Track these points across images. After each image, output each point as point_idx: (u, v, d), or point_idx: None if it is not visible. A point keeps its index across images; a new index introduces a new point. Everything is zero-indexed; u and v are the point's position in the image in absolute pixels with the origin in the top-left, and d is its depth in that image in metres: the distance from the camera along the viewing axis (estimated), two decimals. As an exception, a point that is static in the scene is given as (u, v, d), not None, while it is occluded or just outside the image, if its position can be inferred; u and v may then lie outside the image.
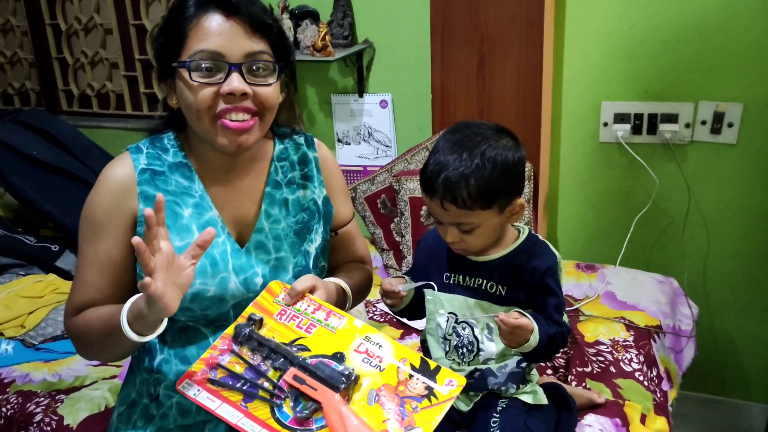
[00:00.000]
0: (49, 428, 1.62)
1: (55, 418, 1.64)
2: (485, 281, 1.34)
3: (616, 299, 2.02)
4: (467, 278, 1.35)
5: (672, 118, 2.18)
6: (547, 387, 1.48)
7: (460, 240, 1.29)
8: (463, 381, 1.09)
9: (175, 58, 1.19)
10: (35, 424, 1.63)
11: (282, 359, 1.10)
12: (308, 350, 1.13)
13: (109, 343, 1.21)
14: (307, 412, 1.04)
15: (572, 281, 2.15)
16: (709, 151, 2.17)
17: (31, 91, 3.22)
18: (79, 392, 1.73)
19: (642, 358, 1.74)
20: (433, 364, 1.11)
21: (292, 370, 1.08)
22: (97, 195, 1.25)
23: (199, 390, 1.09)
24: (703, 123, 2.15)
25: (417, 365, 1.10)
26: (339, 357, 1.12)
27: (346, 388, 1.06)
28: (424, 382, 1.08)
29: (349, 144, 2.61)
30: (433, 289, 1.33)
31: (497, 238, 1.34)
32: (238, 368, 1.11)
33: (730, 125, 2.11)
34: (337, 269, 1.46)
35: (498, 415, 1.36)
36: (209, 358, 1.15)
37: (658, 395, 1.69)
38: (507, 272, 1.33)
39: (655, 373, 1.75)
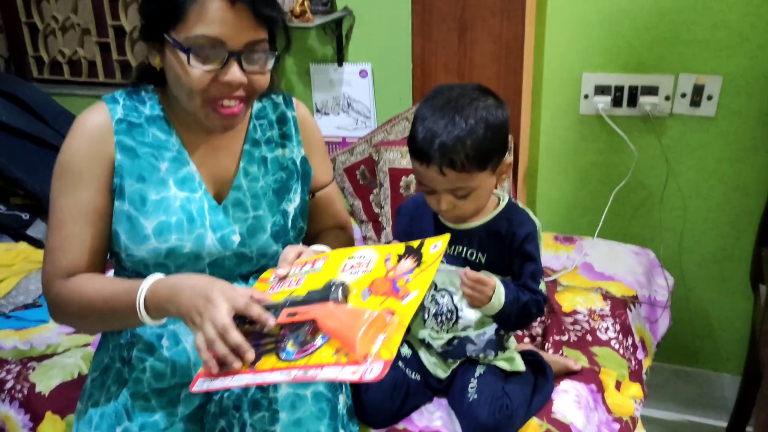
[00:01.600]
0: (20, 395, 1.59)
1: (27, 384, 1.61)
2: (465, 248, 1.33)
3: (594, 270, 2.03)
4: (447, 246, 1.34)
5: (652, 91, 2.18)
6: (524, 354, 1.48)
7: (454, 207, 1.27)
8: (447, 236, 1.07)
9: (168, 28, 1.13)
10: (6, 392, 1.60)
11: (274, 309, 1.05)
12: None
13: (107, 321, 1.20)
14: (306, 336, 1.00)
15: (550, 253, 2.15)
16: (689, 123, 2.18)
17: (0, 57, 3.13)
18: (51, 359, 1.70)
19: (618, 327, 1.75)
20: (416, 243, 1.09)
21: (284, 311, 1.04)
22: (74, 142, 1.21)
23: (211, 380, 1.03)
24: (683, 96, 2.15)
25: (402, 252, 1.09)
26: (328, 284, 1.08)
27: (336, 297, 1.02)
28: (412, 258, 1.06)
29: (328, 114, 2.58)
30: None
31: (488, 200, 1.33)
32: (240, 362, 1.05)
33: (710, 98, 2.12)
34: (318, 238, 1.45)
35: (476, 380, 1.37)
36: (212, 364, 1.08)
37: (633, 363, 1.71)
38: (487, 239, 1.33)
39: (630, 341, 1.76)
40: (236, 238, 1.27)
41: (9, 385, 1.61)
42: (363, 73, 2.49)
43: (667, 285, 2.08)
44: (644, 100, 2.18)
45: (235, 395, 1.27)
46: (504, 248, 1.32)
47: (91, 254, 1.22)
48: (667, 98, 2.17)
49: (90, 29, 2.90)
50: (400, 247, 1.10)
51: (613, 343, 1.70)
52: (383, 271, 1.06)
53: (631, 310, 1.86)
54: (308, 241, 1.46)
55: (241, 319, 1.05)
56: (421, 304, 1.34)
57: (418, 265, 1.04)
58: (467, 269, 1.22)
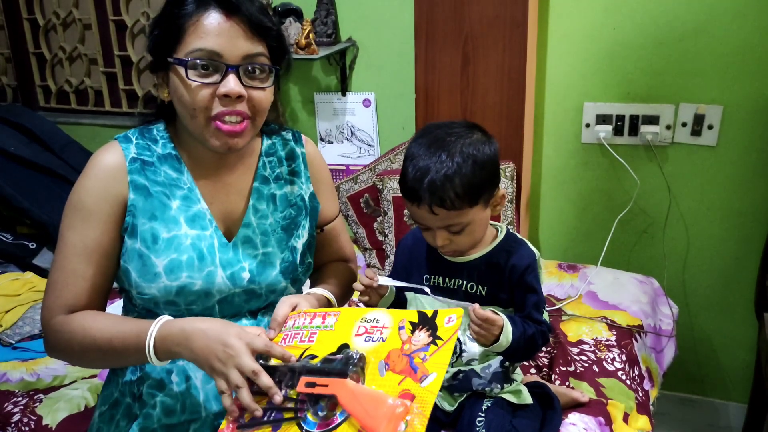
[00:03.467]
0: (27, 428, 1.59)
1: (34, 418, 1.61)
2: (465, 282, 1.34)
3: (598, 299, 2.04)
4: (447, 279, 1.35)
5: (653, 120, 2.20)
6: (531, 386, 1.48)
7: (450, 242, 1.29)
8: (461, 312, 1.07)
9: (171, 53, 1.16)
10: (13, 425, 1.60)
11: (291, 374, 1.07)
12: (316, 357, 1.11)
13: (109, 359, 1.21)
14: (326, 411, 1.02)
15: (554, 281, 2.16)
16: (690, 152, 2.20)
17: (7, 86, 3.17)
18: (58, 392, 1.70)
19: (624, 358, 1.76)
20: (430, 312, 1.09)
21: (302, 379, 1.05)
22: (87, 181, 1.22)
23: None
24: (684, 125, 2.17)
25: (416, 320, 1.09)
26: (344, 348, 1.10)
27: (356, 372, 1.03)
28: (426, 331, 1.06)
29: (332, 143, 2.60)
30: (427, 294, 1.30)
31: (485, 233, 1.34)
32: (261, 403, 1.08)
33: (710, 127, 2.14)
34: (321, 272, 1.46)
35: (483, 415, 1.36)
36: (233, 408, 1.11)
37: (640, 394, 1.71)
38: (487, 271, 1.33)
39: (637, 372, 1.76)
40: (246, 276, 1.27)
41: (16, 418, 1.61)
42: (366, 102, 2.51)
43: (672, 314, 2.08)
44: (645, 129, 2.20)
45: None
46: (504, 280, 1.32)
47: (93, 292, 1.23)
48: (668, 127, 2.19)
49: (97, 59, 2.94)
50: (413, 315, 1.10)
51: (620, 373, 1.70)
52: (398, 343, 1.06)
53: (637, 340, 1.86)
54: (312, 273, 1.47)
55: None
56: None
57: (433, 341, 1.05)
58: (476, 306, 1.23)
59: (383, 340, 1.08)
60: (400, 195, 2.16)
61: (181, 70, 1.15)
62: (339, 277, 1.44)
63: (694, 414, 2.41)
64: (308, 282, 1.45)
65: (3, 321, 1.96)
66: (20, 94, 3.12)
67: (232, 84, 1.15)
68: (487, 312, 1.24)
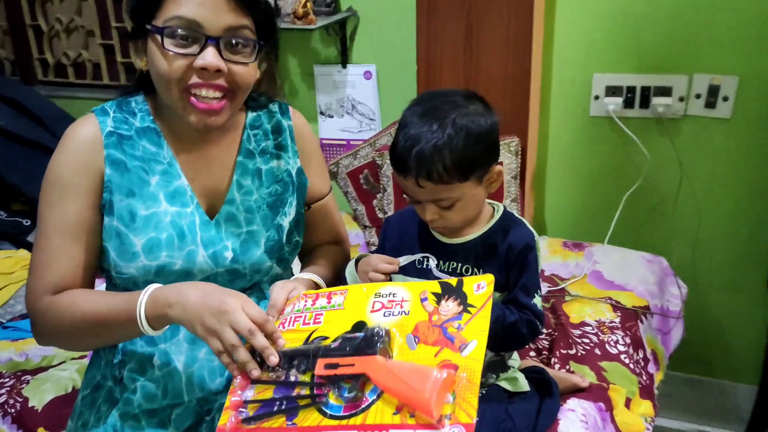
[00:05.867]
0: (13, 410, 1.56)
1: (20, 399, 1.58)
2: (460, 264, 1.27)
3: (604, 278, 1.97)
4: (441, 262, 1.28)
5: (665, 92, 2.11)
6: (529, 371, 1.43)
7: (440, 217, 1.22)
8: (491, 278, 0.99)
9: (149, 19, 1.10)
10: (0, 406, 1.58)
11: (305, 357, 0.99)
12: (327, 338, 1.02)
13: (101, 335, 1.16)
14: (355, 392, 0.94)
15: (559, 260, 2.09)
16: (703, 125, 2.11)
17: (5, 60, 3.12)
18: (46, 373, 1.67)
19: (628, 340, 1.69)
20: (453, 281, 1.01)
21: (320, 362, 0.97)
22: (62, 155, 1.17)
23: None
24: (698, 96, 2.08)
25: (438, 290, 1.01)
26: (360, 326, 1.02)
27: (383, 348, 0.96)
28: (455, 300, 0.99)
29: (332, 117, 2.53)
30: (433, 262, 1.25)
31: (478, 211, 1.28)
32: (267, 393, 1.00)
33: (725, 99, 2.04)
34: (312, 254, 1.40)
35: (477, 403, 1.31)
36: (232, 404, 1.03)
37: (644, 378, 1.65)
38: (483, 253, 1.26)
39: (641, 355, 1.70)
40: (228, 255, 1.22)
41: (2, 399, 1.59)
42: (367, 75, 2.43)
43: (681, 294, 2.01)
44: (657, 102, 2.11)
45: (226, 417, 1.23)
46: (501, 262, 1.25)
47: (79, 269, 1.17)
48: (681, 99, 2.10)
49: (94, 31, 2.87)
50: (434, 285, 1.02)
51: (623, 357, 1.64)
52: (425, 315, 0.99)
53: (642, 321, 1.79)
54: (303, 255, 1.41)
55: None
56: None
57: (465, 309, 0.97)
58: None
59: (406, 314, 1.00)
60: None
61: (158, 39, 1.08)
62: (330, 260, 1.38)
63: (701, 395, 2.35)
64: (299, 264, 1.39)
65: (-6, 299, 1.94)
66: (18, 68, 3.07)
67: (210, 57, 1.08)
68: None
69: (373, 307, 1.03)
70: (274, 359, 0.99)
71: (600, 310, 1.80)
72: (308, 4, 2.22)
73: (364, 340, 0.97)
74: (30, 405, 1.56)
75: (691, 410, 2.31)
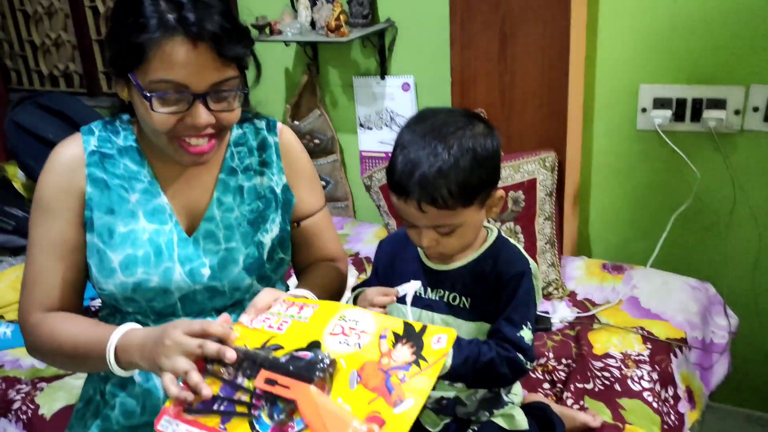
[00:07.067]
0: (24, 417, 1.61)
1: (32, 406, 1.62)
2: (447, 293, 1.20)
3: (640, 306, 1.82)
4: (428, 290, 1.21)
5: (719, 104, 1.95)
6: (530, 407, 1.33)
7: (437, 243, 1.15)
8: (454, 333, 0.96)
9: (132, 68, 1.07)
10: (13, 412, 1.62)
11: (252, 364, 0.98)
12: (282, 348, 1.01)
13: (79, 365, 1.22)
14: (283, 416, 0.93)
15: (595, 283, 1.96)
16: (762, 141, 1.93)
17: (74, 73, 3.27)
18: (60, 381, 1.71)
19: (656, 376, 1.55)
20: (418, 325, 0.97)
21: (263, 373, 0.96)
22: (46, 176, 1.19)
23: (177, 424, 0.98)
24: (756, 110, 1.91)
25: (401, 332, 0.97)
26: (314, 345, 0.99)
27: (322, 378, 0.93)
28: (410, 348, 0.95)
29: (371, 129, 2.49)
30: (420, 287, 1.19)
31: (476, 237, 1.20)
32: (211, 390, 0.99)
33: (786, 112, 1.86)
34: (305, 272, 1.36)
35: (470, 439, 1.23)
36: (185, 394, 1.02)
37: (672, 418, 1.50)
38: (471, 281, 1.18)
39: (671, 392, 1.56)
40: (206, 272, 1.21)
41: (16, 405, 1.64)
42: (405, 86, 2.38)
43: (728, 325, 1.84)
44: (709, 115, 1.95)
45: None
46: (489, 290, 1.17)
47: (65, 288, 1.20)
48: (736, 113, 1.93)
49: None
50: (398, 324, 0.99)
51: (646, 394, 1.50)
52: (377, 354, 0.95)
53: (676, 355, 1.64)
54: (297, 275, 1.38)
55: (212, 361, 1.00)
56: None
57: (417, 360, 0.93)
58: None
59: (359, 347, 0.97)
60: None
61: (146, 102, 1.07)
62: (322, 277, 1.34)
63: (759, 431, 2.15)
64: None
65: (28, 306, 2.00)
66: (85, 81, 3.21)
67: (200, 116, 1.08)
68: None
69: (333, 330, 1.01)
70: (230, 355, 0.97)
71: (628, 341, 1.66)
72: (341, 17, 2.19)
73: (307, 365, 0.94)
74: (40, 413, 1.60)
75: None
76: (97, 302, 1.36)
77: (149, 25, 1.04)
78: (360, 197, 2.62)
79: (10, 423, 1.62)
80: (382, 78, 2.41)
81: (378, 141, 2.49)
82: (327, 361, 0.93)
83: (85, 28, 3.11)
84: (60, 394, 1.65)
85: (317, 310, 1.05)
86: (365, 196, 2.45)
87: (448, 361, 1.09)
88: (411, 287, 1.15)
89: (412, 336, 0.96)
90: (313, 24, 2.32)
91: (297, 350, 0.99)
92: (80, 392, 1.61)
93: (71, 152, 1.20)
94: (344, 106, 2.53)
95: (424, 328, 0.96)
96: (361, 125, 2.50)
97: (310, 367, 0.93)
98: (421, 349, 0.94)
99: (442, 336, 0.95)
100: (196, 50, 1.04)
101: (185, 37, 1.04)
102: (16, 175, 2.54)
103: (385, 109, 2.44)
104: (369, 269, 2.16)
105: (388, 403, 0.89)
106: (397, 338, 0.96)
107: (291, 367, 0.94)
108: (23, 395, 1.66)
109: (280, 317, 1.06)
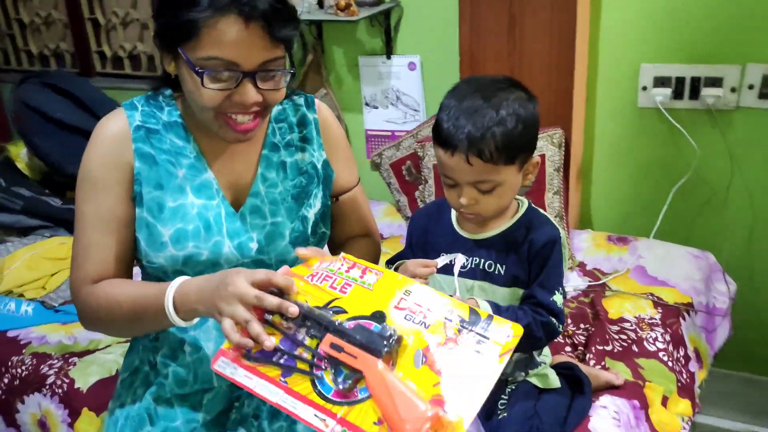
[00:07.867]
0: (60, 390, 1.63)
1: (67, 380, 1.65)
2: (483, 260, 1.26)
3: (647, 274, 1.92)
4: (465, 258, 1.28)
5: (716, 82, 2.03)
6: (560, 367, 1.41)
7: (476, 202, 1.20)
8: (520, 330, 0.95)
9: (182, 42, 1.10)
10: (47, 386, 1.65)
11: (318, 325, 0.99)
12: (345, 312, 1.01)
13: (136, 325, 1.20)
14: (349, 382, 0.94)
15: (602, 254, 2.05)
16: (757, 117, 2.02)
17: (65, 52, 3.24)
18: (92, 355, 1.74)
19: (668, 338, 1.65)
20: (484, 314, 0.98)
21: (329, 337, 0.97)
22: (93, 150, 1.21)
23: (235, 368, 0.99)
24: (751, 87, 2.00)
25: (466, 317, 0.97)
26: (378, 316, 0.99)
27: (389, 352, 0.94)
28: (476, 335, 0.95)
29: (377, 108, 2.53)
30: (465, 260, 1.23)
31: (511, 201, 1.26)
32: (274, 339, 1.00)
33: (781, 90, 1.96)
34: (343, 248, 1.40)
35: (506, 398, 1.30)
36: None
37: (684, 376, 1.60)
38: (506, 249, 1.25)
39: (682, 353, 1.66)
40: (254, 246, 1.25)
41: (51, 380, 1.66)
42: (411, 66, 2.43)
43: (728, 291, 1.94)
44: (707, 93, 2.04)
45: (255, 404, 1.26)
46: (523, 258, 1.24)
47: (115, 261, 1.22)
48: (732, 90, 2.02)
49: (148, 24, 2.95)
50: (464, 308, 0.99)
51: (661, 354, 1.60)
52: (442, 337, 0.95)
53: (684, 318, 1.75)
54: (333, 249, 1.42)
55: (272, 312, 1.01)
56: None
57: (479, 351, 0.93)
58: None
59: (426, 327, 0.97)
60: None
61: (194, 75, 1.09)
62: (362, 252, 1.38)
63: (757, 394, 2.27)
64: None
65: (48, 284, 2.02)
66: (78, 60, 3.18)
67: (248, 94, 1.11)
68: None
69: (398, 303, 1.01)
70: (293, 310, 0.98)
71: (640, 306, 1.76)
72: (351, -4, 2.22)
73: (376, 338, 0.95)
74: (76, 386, 1.63)
75: (745, 409, 2.24)
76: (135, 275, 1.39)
77: (202, 1, 1.06)
78: (365, 175, 2.66)
79: (45, 397, 1.65)
80: (388, 57, 2.45)
81: (384, 120, 2.53)
82: (394, 338, 0.95)
83: (77, 6, 3.07)
84: (93, 368, 1.68)
85: (381, 279, 1.05)
86: (371, 175, 2.50)
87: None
88: (458, 260, 1.19)
89: (478, 324, 0.97)
90: (320, 3, 2.35)
91: (362, 317, 1.00)
92: (120, 365, 1.66)
93: (117, 126, 1.21)
94: (350, 86, 2.57)
95: (490, 318, 0.97)
96: (367, 104, 2.54)
97: (378, 341, 0.94)
98: (486, 342, 0.94)
99: (509, 330, 0.95)
100: (248, 29, 1.06)
101: (238, 16, 1.06)
102: (20, 155, 2.52)
103: (391, 88, 2.48)
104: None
105: None
106: (463, 323, 0.97)
107: (359, 337, 0.95)
108: (56, 370, 1.69)
109: (342, 278, 1.06)
